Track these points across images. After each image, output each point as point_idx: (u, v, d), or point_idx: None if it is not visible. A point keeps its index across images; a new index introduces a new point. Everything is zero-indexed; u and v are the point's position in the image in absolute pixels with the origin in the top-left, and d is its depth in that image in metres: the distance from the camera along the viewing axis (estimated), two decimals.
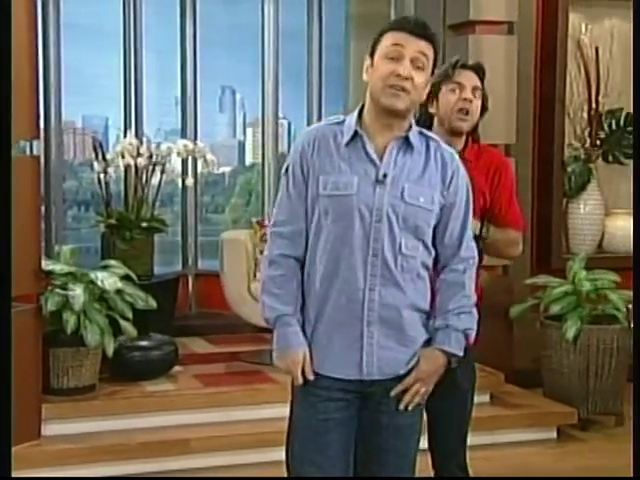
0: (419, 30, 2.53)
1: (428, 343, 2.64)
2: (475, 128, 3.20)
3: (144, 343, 4.88)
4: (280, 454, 4.52)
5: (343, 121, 2.62)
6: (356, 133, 2.57)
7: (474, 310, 2.69)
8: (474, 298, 2.69)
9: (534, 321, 5.40)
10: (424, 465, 3.20)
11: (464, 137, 3.18)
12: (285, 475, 2.79)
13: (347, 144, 2.57)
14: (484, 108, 3.21)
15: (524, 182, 5.86)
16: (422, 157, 2.60)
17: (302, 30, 6.72)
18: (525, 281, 5.50)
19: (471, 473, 3.34)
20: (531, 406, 5.22)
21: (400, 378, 2.61)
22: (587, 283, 5.21)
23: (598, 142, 6.27)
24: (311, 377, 2.58)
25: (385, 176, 2.53)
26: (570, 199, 6.25)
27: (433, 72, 2.59)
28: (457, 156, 2.67)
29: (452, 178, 2.62)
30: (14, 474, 4.13)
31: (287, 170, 2.62)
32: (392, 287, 2.55)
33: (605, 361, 5.22)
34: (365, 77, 2.59)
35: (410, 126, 2.59)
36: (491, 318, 5.54)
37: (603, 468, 4.68)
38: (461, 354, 2.66)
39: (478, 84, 3.15)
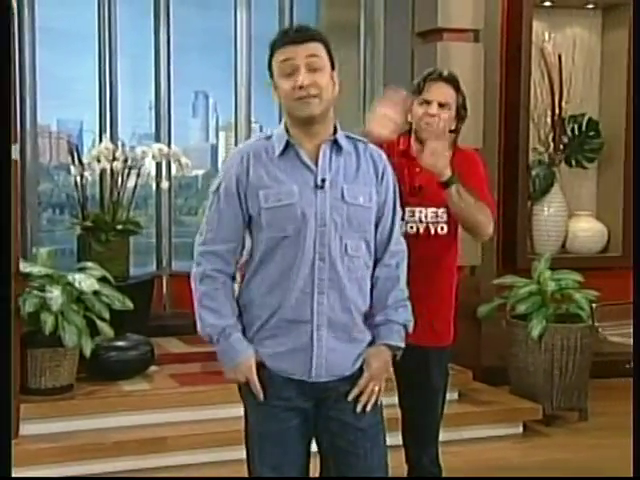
0: (301, 36, 2.53)
1: (371, 343, 2.64)
2: (456, 130, 3.25)
3: (121, 343, 4.87)
4: None
5: (270, 136, 2.61)
6: (288, 143, 2.56)
7: (409, 303, 2.70)
8: (407, 291, 2.70)
9: (501, 320, 5.45)
10: (398, 461, 3.24)
11: None
12: None
13: (280, 155, 2.55)
14: (460, 117, 3.24)
15: (490, 186, 5.91)
16: (352, 157, 2.60)
17: (274, 36, 6.70)
18: (492, 281, 5.55)
19: (443, 467, 3.38)
20: (498, 403, 5.26)
21: (347, 379, 2.60)
22: (552, 283, 5.26)
23: (561, 146, 6.33)
24: (259, 388, 2.57)
25: (324, 180, 2.53)
26: (535, 201, 6.30)
27: (333, 65, 2.57)
28: (385, 156, 2.69)
29: (383, 174, 2.64)
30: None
31: (218, 189, 2.58)
32: (339, 289, 2.55)
33: (569, 359, 5.27)
34: (275, 98, 2.58)
35: (335, 129, 2.60)
36: (459, 317, 5.61)
37: (567, 462, 4.74)
38: (403, 346, 2.67)
39: (447, 99, 3.17)
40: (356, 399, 2.60)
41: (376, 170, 2.62)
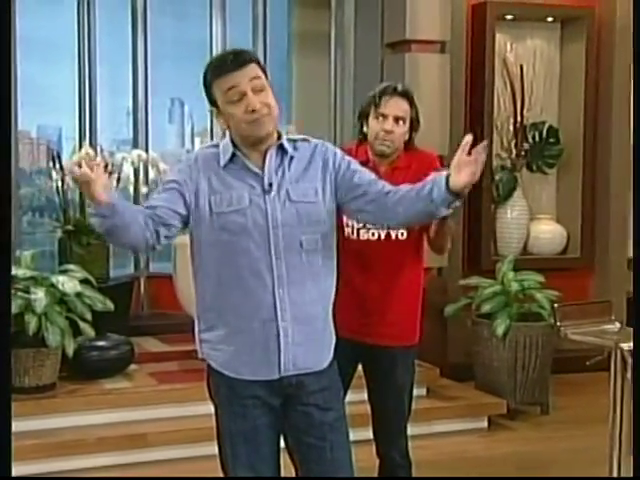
0: (237, 62, 2.53)
1: (335, 335, 2.69)
2: (409, 140, 3.29)
3: (101, 343, 4.88)
4: None
5: (217, 145, 2.64)
6: (233, 154, 2.58)
7: None
8: None
9: (466, 319, 5.51)
10: (367, 454, 3.29)
11: (391, 157, 3.25)
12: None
13: (225, 165, 2.57)
14: (413, 127, 3.27)
15: None
16: (296, 158, 2.63)
17: (247, 46, 6.74)
18: (458, 282, 5.61)
19: (412, 460, 3.42)
20: (464, 398, 5.32)
21: (316, 375, 2.62)
22: (515, 284, 5.33)
23: (523, 153, 6.39)
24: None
25: (270, 184, 2.57)
26: (498, 205, 6.36)
27: (266, 76, 2.58)
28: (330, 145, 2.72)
29: (329, 158, 2.64)
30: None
31: (168, 182, 2.60)
32: (299, 285, 2.56)
33: (531, 356, 5.35)
34: (221, 124, 2.61)
35: (279, 135, 2.63)
36: (427, 317, 5.67)
37: (530, 453, 4.82)
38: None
39: (402, 113, 3.21)
40: (321, 392, 2.64)
41: (324, 161, 2.64)
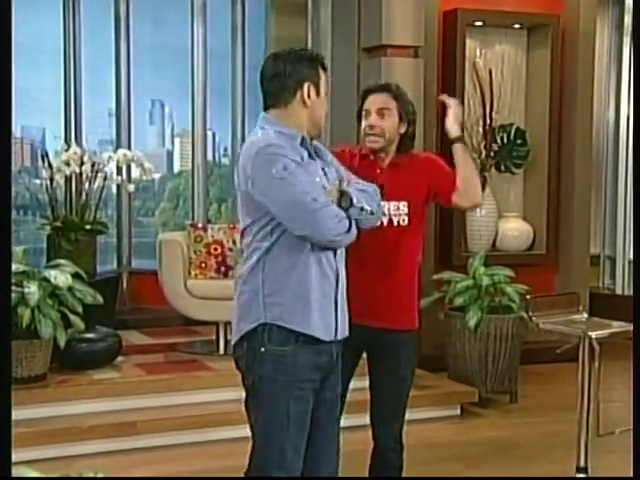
0: None
1: None
2: (402, 140, 3.27)
3: (90, 335, 4.93)
4: (217, 434, 4.68)
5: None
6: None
7: None
8: None
9: (439, 312, 5.61)
10: (359, 438, 3.38)
11: (388, 152, 3.25)
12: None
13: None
14: (406, 120, 3.25)
15: None
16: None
17: (227, 50, 6.83)
18: (432, 277, 5.72)
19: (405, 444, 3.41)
20: (437, 387, 5.42)
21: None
22: (486, 278, 5.44)
23: (492, 153, 6.50)
24: None
25: None
26: None
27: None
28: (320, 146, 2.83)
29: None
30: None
31: (286, 168, 2.60)
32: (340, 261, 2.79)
33: (501, 346, 5.45)
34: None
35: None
36: None
37: (499, 438, 4.93)
38: None
39: (385, 104, 3.21)
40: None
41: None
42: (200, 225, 5.71)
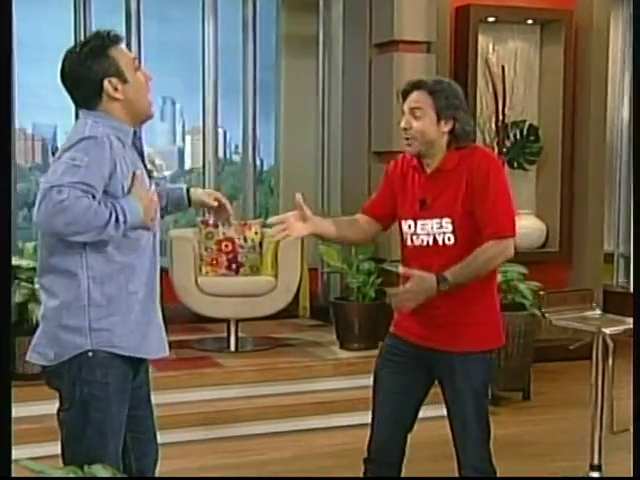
0: None
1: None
2: (451, 139, 2.92)
3: None
4: (226, 431, 4.66)
5: None
6: None
7: None
8: None
9: None
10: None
11: (433, 155, 2.94)
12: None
13: None
14: (446, 116, 2.89)
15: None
16: None
17: (238, 47, 6.82)
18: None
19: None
20: None
21: None
22: (498, 275, 5.38)
23: (504, 150, 6.48)
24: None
25: None
26: None
27: None
28: None
29: None
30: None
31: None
32: None
33: (514, 344, 5.40)
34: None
35: None
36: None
37: (512, 436, 4.89)
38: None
39: (417, 103, 2.89)
40: None
41: None
42: (211, 222, 5.68)
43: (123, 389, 2.58)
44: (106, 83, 2.51)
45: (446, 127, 2.89)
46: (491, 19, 6.39)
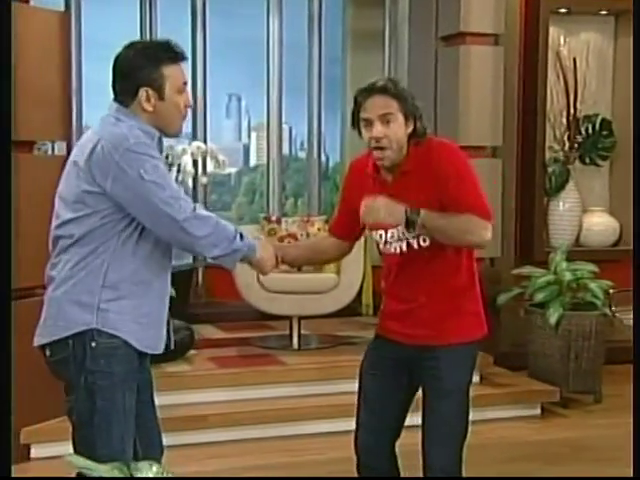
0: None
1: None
2: (410, 140, 2.79)
3: None
4: (286, 429, 4.64)
5: None
6: None
7: None
8: None
9: (519, 308, 5.46)
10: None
11: (397, 160, 2.80)
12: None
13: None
14: (413, 117, 2.77)
15: (509, 182, 5.94)
16: None
17: (304, 43, 6.79)
18: (511, 272, 5.56)
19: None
20: (517, 385, 5.27)
21: None
22: (568, 273, 5.27)
23: (576, 145, 6.32)
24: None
25: None
26: (550, 197, 6.30)
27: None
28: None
29: None
30: (43, 446, 4.22)
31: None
32: None
33: (584, 345, 5.27)
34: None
35: None
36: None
37: (580, 439, 4.77)
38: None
39: (387, 109, 2.72)
40: None
41: None
42: (274, 218, 5.67)
43: (128, 378, 2.60)
44: (142, 91, 2.55)
45: (410, 128, 2.78)
46: (563, 10, 6.23)
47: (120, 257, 2.54)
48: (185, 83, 2.62)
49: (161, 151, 2.64)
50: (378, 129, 2.72)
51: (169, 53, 2.58)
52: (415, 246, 2.82)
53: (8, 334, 2.57)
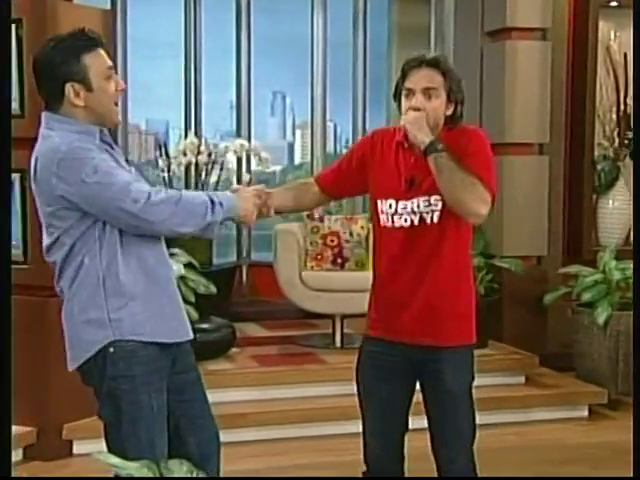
0: None
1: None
2: (446, 123, 2.76)
3: (205, 326, 4.90)
4: (327, 428, 4.61)
5: None
6: None
7: None
8: None
9: (566, 308, 5.37)
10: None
11: (434, 134, 2.73)
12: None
13: None
14: (454, 101, 2.74)
15: (556, 179, 5.84)
16: None
17: (348, 40, 6.75)
18: (558, 270, 5.47)
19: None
20: (563, 386, 5.19)
21: None
22: (617, 272, 5.16)
23: (626, 142, 6.18)
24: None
25: None
26: (599, 195, 6.17)
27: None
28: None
29: None
30: (85, 442, 4.24)
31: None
32: None
33: (634, 345, 5.16)
34: None
35: None
36: (526, 305, 5.56)
37: (627, 442, 4.64)
38: None
39: (431, 82, 2.69)
40: None
41: None
42: (317, 216, 5.63)
43: (151, 379, 2.54)
44: (68, 87, 2.47)
45: (450, 111, 2.74)
46: (613, 3, 6.09)
47: (110, 262, 2.49)
48: (110, 67, 2.53)
49: (111, 144, 2.57)
50: (419, 99, 2.69)
51: (85, 41, 2.49)
52: (428, 221, 2.75)
53: (8, 334, 2.57)
